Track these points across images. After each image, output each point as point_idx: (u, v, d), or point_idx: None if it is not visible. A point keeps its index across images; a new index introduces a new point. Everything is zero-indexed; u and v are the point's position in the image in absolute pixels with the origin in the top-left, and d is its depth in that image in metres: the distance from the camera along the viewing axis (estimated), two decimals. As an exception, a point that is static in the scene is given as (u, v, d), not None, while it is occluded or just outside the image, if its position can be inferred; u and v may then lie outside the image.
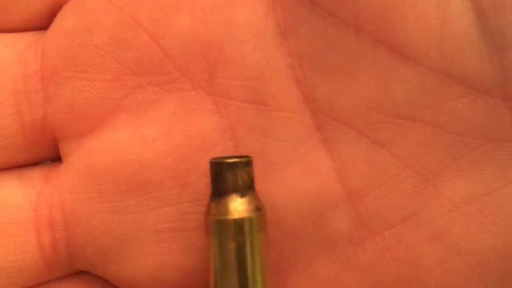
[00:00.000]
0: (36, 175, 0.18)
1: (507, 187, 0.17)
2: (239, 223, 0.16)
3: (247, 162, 0.17)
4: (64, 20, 0.18)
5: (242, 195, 0.17)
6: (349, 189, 0.18)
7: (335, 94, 0.17)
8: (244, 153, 0.18)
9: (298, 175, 0.18)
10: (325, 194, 0.18)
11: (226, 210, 0.16)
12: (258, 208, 0.17)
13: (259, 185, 0.18)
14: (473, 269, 0.17)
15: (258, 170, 0.18)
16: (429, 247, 0.17)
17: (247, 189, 0.17)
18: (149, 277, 0.18)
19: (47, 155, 0.19)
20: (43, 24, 0.19)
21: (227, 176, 0.17)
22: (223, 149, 0.18)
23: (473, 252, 0.17)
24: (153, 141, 0.18)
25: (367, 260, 0.18)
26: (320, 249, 0.18)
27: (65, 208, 0.18)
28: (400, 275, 0.17)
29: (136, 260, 0.18)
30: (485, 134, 0.17)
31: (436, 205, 0.17)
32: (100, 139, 0.18)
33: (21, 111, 0.18)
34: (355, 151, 0.17)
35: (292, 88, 0.18)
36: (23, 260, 0.18)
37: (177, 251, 0.18)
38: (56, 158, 0.19)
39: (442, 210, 0.17)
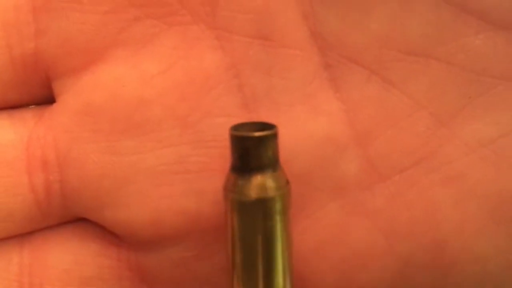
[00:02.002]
0: (28, 115, 0.18)
1: None
2: (259, 203, 0.15)
3: (271, 136, 0.16)
4: None
5: (268, 172, 0.16)
6: (359, 131, 0.17)
7: (345, 29, 0.17)
8: (249, 92, 0.17)
9: (305, 116, 0.17)
10: (334, 136, 0.17)
11: (245, 189, 0.16)
12: (284, 185, 0.16)
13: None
14: (489, 213, 0.17)
15: (264, 111, 0.17)
16: (443, 191, 0.17)
17: (271, 165, 0.16)
18: (148, 222, 0.17)
19: (40, 95, 0.18)
20: None
21: (250, 151, 0.15)
22: (227, 88, 0.17)
23: (489, 196, 0.17)
24: (151, 77, 0.17)
25: (377, 205, 0.17)
26: (328, 194, 0.17)
27: (58, 148, 0.17)
28: (412, 220, 0.17)
29: (134, 204, 0.17)
30: (503, 73, 0.16)
31: (451, 147, 0.17)
32: (95, 76, 0.17)
33: (10, 44, 0.17)
34: (365, 91, 0.17)
35: (299, 23, 0.17)
36: (14, 203, 0.17)
37: (178, 194, 0.17)
38: (50, 101, 0.18)
39: (457, 153, 0.17)
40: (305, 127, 0.17)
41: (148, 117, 0.17)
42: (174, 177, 0.17)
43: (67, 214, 0.18)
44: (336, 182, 0.17)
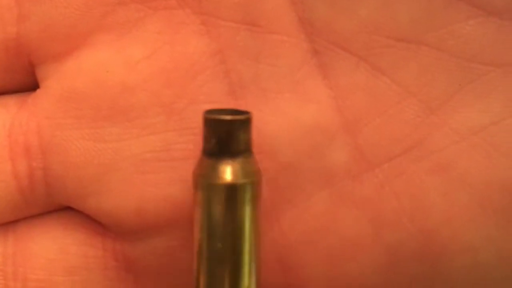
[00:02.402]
0: (11, 102, 0.18)
1: None
2: (233, 189, 0.15)
3: (247, 120, 0.16)
4: None
5: (241, 158, 0.16)
6: (347, 119, 0.17)
7: (334, 15, 0.16)
8: (235, 79, 0.17)
9: (293, 103, 0.17)
10: (322, 124, 0.17)
11: (221, 174, 0.15)
12: (256, 172, 0.16)
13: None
14: (478, 203, 0.16)
15: (251, 98, 0.17)
16: (432, 180, 0.17)
17: (246, 150, 0.16)
18: (133, 211, 0.17)
19: (23, 81, 0.18)
20: None
21: (227, 136, 0.15)
22: (213, 74, 0.17)
23: (479, 185, 0.16)
24: (136, 63, 0.17)
25: (365, 194, 0.17)
26: (316, 183, 0.17)
27: (42, 134, 0.17)
28: (400, 209, 0.17)
29: (119, 192, 0.17)
30: (494, 60, 0.16)
31: (440, 135, 0.17)
32: (79, 61, 0.17)
33: None
34: (354, 78, 0.17)
35: (287, 8, 0.17)
36: None
37: (164, 182, 0.17)
38: (34, 88, 0.18)
39: (447, 141, 0.17)
40: (293, 114, 0.17)
41: (133, 103, 0.17)
42: (159, 165, 0.17)
43: (51, 202, 0.18)
44: (324, 171, 0.17)
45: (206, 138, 0.16)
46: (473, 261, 0.17)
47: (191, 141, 0.17)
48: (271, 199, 0.17)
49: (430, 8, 0.16)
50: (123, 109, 0.17)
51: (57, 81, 0.17)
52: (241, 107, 0.17)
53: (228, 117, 0.16)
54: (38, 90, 0.18)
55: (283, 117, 0.17)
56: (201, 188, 0.16)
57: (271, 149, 0.17)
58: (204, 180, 0.16)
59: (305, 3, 0.17)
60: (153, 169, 0.17)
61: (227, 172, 0.15)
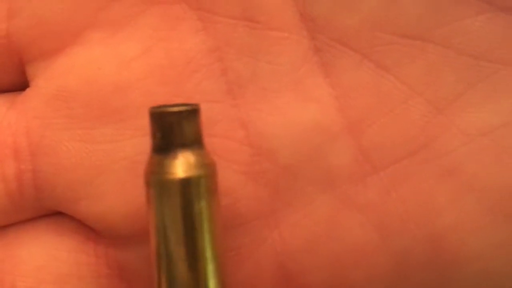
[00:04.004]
0: (0, 101, 0.17)
1: None
2: (187, 183, 0.15)
3: (194, 111, 0.15)
4: None
5: (192, 149, 0.15)
6: (350, 120, 0.16)
7: (336, 11, 0.16)
8: (233, 77, 0.16)
9: (293, 103, 0.17)
10: (324, 125, 0.16)
11: (171, 168, 0.15)
12: (210, 163, 0.15)
13: (251, 114, 0.16)
14: (488, 208, 0.16)
15: (249, 97, 0.17)
16: (440, 184, 0.16)
17: (196, 143, 0.15)
18: (126, 215, 0.17)
19: (14, 80, 0.17)
20: None
21: (172, 128, 0.15)
22: (210, 72, 0.16)
23: (488, 189, 0.16)
24: (130, 60, 0.17)
25: (370, 198, 0.17)
26: (318, 186, 0.17)
27: (31, 135, 0.17)
28: (406, 215, 0.16)
29: (110, 196, 0.17)
30: (504, 58, 0.16)
31: (448, 137, 0.16)
32: (70, 58, 0.17)
33: None
34: (357, 77, 0.16)
35: (287, 4, 0.16)
36: None
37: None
38: (25, 87, 0.18)
39: (455, 143, 0.16)
40: (294, 114, 0.17)
41: (126, 102, 0.17)
42: None
43: (40, 207, 0.17)
44: (326, 174, 0.17)
45: (153, 134, 0.15)
46: (483, 270, 0.17)
47: None
48: (270, 203, 0.17)
49: (436, 4, 0.16)
50: (115, 108, 0.17)
51: (47, 79, 0.17)
52: (239, 106, 0.17)
53: (170, 109, 0.15)
54: (27, 89, 0.17)
55: (283, 117, 0.17)
56: (150, 186, 0.15)
57: (271, 150, 0.17)
58: (153, 176, 0.15)
59: None
60: None
61: (174, 166, 0.15)
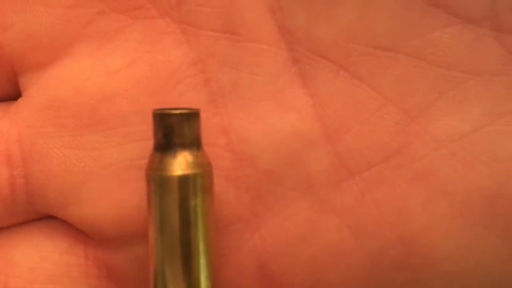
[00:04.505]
0: None
1: (496, 123, 0.16)
2: (184, 180, 0.16)
3: (194, 114, 0.16)
4: None
5: (191, 150, 0.16)
6: (328, 127, 0.17)
7: (313, 24, 0.17)
8: (216, 87, 0.17)
9: (273, 112, 0.17)
10: (302, 132, 0.17)
11: (170, 166, 0.16)
12: (207, 164, 0.16)
13: (232, 122, 0.17)
14: (459, 211, 0.17)
15: (231, 106, 0.17)
16: (412, 188, 0.17)
17: (194, 144, 0.16)
18: (113, 219, 0.17)
19: (7, 91, 0.18)
20: None
21: (173, 128, 0.16)
22: (193, 82, 0.17)
23: (459, 193, 0.17)
24: (117, 71, 0.17)
25: (346, 202, 0.17)
26: (297, 191, 0.17)
27: (22, 143, 0.18)
28: (381, 217, 0.17)
29: (98, 200, 0.17)
30: (473, 68, 0.16)
31: (420, 143, 0.17)
32: (60, 69, 0.17)
33: None
34: (333, 86, 0.17)
35: (266, 17, 0.17)
36: None
37: (143, 190, 0.17)
38: (16, 97, 0.18)
39: (426, 149, 0.17)
40: (273, 122, 0.17)
41: (113, 111, 0.17)
42: (139, 173, 0.17)
43: (32, 211, 0.18)
44: (304, 179, 0.17)
45: (155, 133, 0.16)
46: (453, 270, 0.17)
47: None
48: (251, 207, 0.17)
49: (408, 17, 0.16)
50: (103, 117, 0.17)
51: (38, 90, 0.18)
52: (222, 115, 0.17)
53: (172, 111, 0.16)
54: (20, 99, 0.18)
55: (264, 125, 0.17)
56: (150, 181, 0.16)
57: (252, 156, 0.17)
58: (153, 172, 0.16)
59: (285, 12, 0.17)
60: (133, 177, 0.17)
61: (173, 164, 0.16)
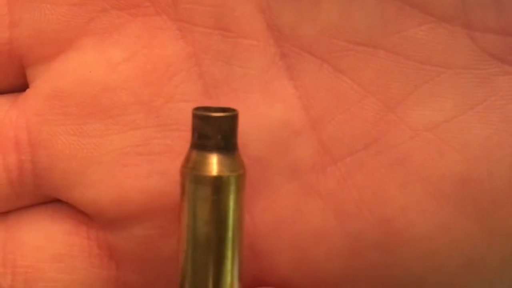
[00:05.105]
0: (2, 101, 0.19)
1: (467, 114, 0.18)
2: (217, 181, 0.17)
3: (231, 117, 0.17)
4: None
5: (226, 152, 0.17)
6: (312, 117, 0.18)
7: (298, 22, 0.18)
8: (209, 80, 0.18)
9: (262, 103, 0.19)
10: (289, 121, 0.18)
11: (204, 166, 0.17)
12: (240, 167, 0.17)
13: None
14: (432, 195, 0.18)
15: (223, 97, 0.19)
16: (390, 173, 0.18)
17: (230, 146, 0.17)
18: (114, 201, 0.19)
19: (15, 83, 0.19)
20: None
21: (210, 130, 0.17)
22: (188, 75, 0.18)
23: (432, 178, 0.18)
24: (117, 64, 0.19)
25: (329, 186, 0.19)
26: (284, 176, 0.19)
27: (30, 130, 0.19)
28: (361, 201, 0.18)
29: (101, 184, 0.19)
30: (446, 62, 0.18)
31: (397, 131, 0.18)
32: (65, 62, 0.19)
33: None
34: (318, 79, 0.18)
35: (256, 16, 0.18)
36: None
37: (142, 174, 0.19)
38: (25, 89, 0.20)
39: (403, 137, 0.18)
40: (262, 112, 0.19)
41: (114, 101, 0.19)
42: (139, 158, 0.19)
43: (39, 194, 0.19)
44: (291, 165, 0.19)
45: (193, 132, 0.17)
46: (428, 249, 0.18)
47: (168, 136, 0.19)
48: None
49: (385, 15, 0.18)
50: (105, 106, 0.19)
51: (45, 81, 0.19)
52: (214, 105, 0.18)
53: (211, 114, 0.17)
54: (27, 90, 0.19)
55: (253, 115, 0.18)
56: (186, 178, 0.17)
57: (242, 144, 0.18)
58: (189, 171, 0.17)
59: (273, 10, 0.18)
60: (132, 162, 0.19)
61: (209, 164, 0.17)
